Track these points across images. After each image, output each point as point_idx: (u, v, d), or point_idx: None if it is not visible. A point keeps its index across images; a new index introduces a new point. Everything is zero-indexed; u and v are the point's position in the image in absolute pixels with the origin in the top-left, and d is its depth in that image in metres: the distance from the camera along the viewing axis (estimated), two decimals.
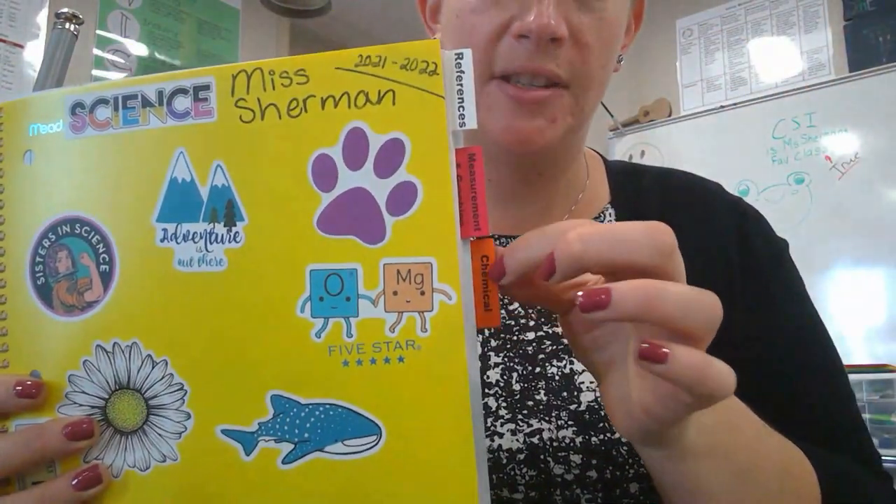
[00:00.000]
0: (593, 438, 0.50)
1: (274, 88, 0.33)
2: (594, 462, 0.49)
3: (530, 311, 0.55)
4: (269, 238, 0.33)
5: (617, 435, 0.49)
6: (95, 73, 2.41)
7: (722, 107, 2.73)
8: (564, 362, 0.52)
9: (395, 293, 0.32)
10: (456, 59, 0.33)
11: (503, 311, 0.55)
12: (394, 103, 0.32)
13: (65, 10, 0.98)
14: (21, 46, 2.29)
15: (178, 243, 0.33)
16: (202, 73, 0.34)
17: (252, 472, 0.32)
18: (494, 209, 0.58)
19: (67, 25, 0.97)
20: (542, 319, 0.54)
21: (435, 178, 0.32)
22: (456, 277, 0.32)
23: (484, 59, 0.51)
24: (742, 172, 2.58)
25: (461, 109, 0.32)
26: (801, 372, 0.53)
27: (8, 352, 0.35)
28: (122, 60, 2.48)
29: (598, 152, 0.66)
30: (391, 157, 0.32)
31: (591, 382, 0.51)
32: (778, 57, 2.73)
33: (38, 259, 0.35)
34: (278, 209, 0.33)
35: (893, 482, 0.52)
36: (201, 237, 0.33)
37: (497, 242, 0.58)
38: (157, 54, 2.59)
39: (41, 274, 0.35)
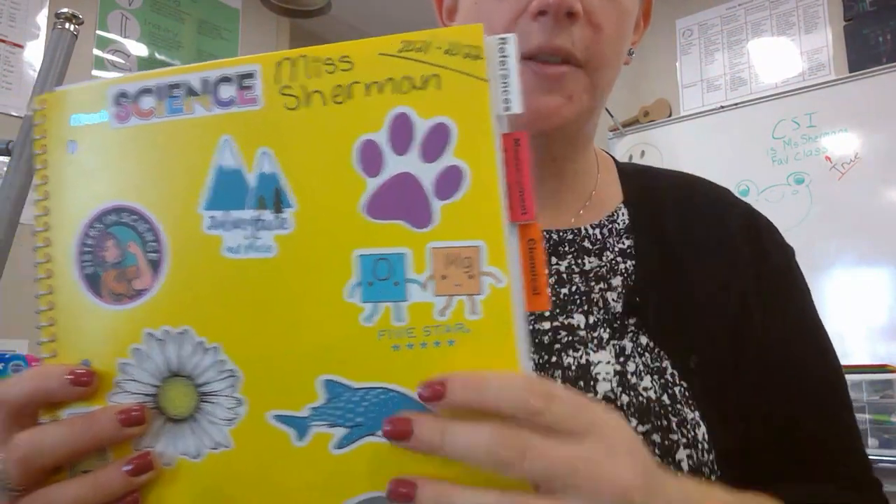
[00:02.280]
0: None
1: (318, 75, 0.33)
2: None
3: None
4: (316, 224, 0.33)
5: (633, 424, 0.49)
6: (95, 73, 2.41)
7: (722, 107, 2.73)
8: (580, 352, 0.52)
9: (443, 277, 0.32)
10: (499, 45, 0.33)
11: None
12: (438, 88, 0.32)
13: (65, 10, 0.98)
14: (21, 46, 2.29)
15: (226, 230, 0.33)
16: (247, 61, 0.34)
17: (304, 457, 0.32)
18: None
19: (67, 25, 0.97)
20: (558, 311, 0.54)
21: (481, 161, 0.32)
22: (504, 260, 0.31)
23: None
24: (742, 172, 2.58)
25: (506, 94, 0.33)
26: (800, 386, 0.54)
27: (56, 341, 0.35)
28: (122, 60, 2.48)
29: (611, 155, 0.66)
30: (437, 141, 0.32)
31: (608, 373, 0.51)
32: (778, 57, 2.73)
33: (85, 248, 0.35)
34: (325, 195, 0.33)
35: (882, 497, 0.54)
36: (249, 224, 0.33)
37: None
38: (157, 54, 2.59)
39: (89, 263, 0.35)
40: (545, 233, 0.58)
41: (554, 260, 0.56)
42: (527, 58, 0.51)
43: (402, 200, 0.32)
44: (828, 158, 2.43)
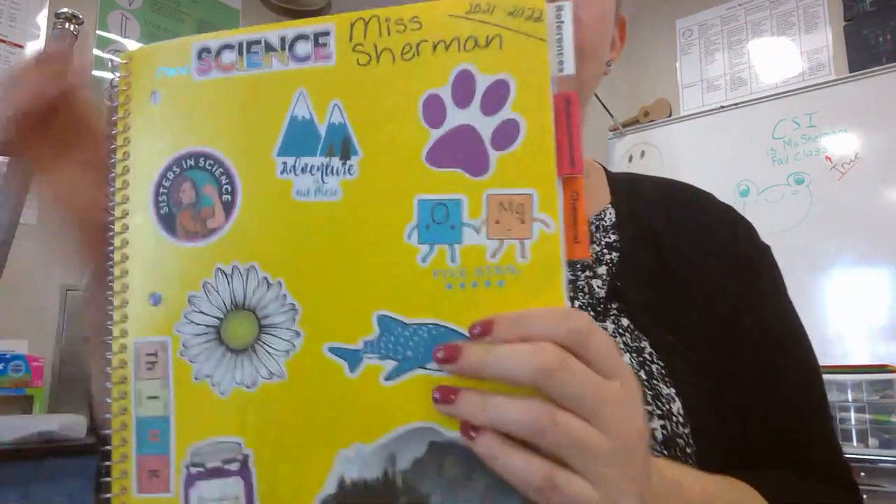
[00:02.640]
0: None
1: (389, 34, 0.36)
2: None
3: None
4: (380, 170, 0.35)
5: None
6: (95, 73, 2.41)
7: (722, 107, 2.73)
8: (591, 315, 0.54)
9: (497, 222, 0.34)
10: (556, 11, 0.35)
11: None
12: (500, 47, 0.35)
13: (65, 10, 0.98)
14: (21, 46, 2.29)
15: (296, 175, 0.36)
16: (323, 20, 0.37)
17: (355, 387, 0.34)
18: None
19: (67, 25, 0.97)
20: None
21: (536, 115, 0.34)
22: (555, 207, 0.33)
23: None
24: (742, 172, 2.58)
25: (560, 56, 0.35)
26: (773, 384, 0.55)
27: (128, 275, 0.37)
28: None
29: (600, 164, 0.69)
30: (497, 96, 0.34)
31: None
32: (778, 57, 2.73)
33: (162, 190, 0.38)
34: (390, 144, 0.35)
35: (859, 493, 0.55)
36: (318, 170, 0.36)
37: None
38: None
39: (165, 203, 0.37)
40: None
41: None
42: None
43: (462, 150, 0.34)
44: (828, 158, 2.43)
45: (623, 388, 0.32)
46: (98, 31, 2.45)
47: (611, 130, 2.99)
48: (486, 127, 0.34)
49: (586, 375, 0.31)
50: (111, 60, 0.41)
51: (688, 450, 0.50)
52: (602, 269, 0.58)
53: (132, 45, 2.52)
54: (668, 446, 0.49)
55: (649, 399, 0.50)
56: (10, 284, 0.98)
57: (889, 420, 2.03)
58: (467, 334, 0.33)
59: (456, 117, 0.35)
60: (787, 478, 0.52)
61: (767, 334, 0.56)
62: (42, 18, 2.33)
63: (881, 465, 1.95)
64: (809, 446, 0.55)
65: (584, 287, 0.57)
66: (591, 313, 0.55)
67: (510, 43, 0.35)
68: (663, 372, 0.52)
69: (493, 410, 0.31)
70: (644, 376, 0.51)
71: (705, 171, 2.66)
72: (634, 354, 0.53)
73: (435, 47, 0.35)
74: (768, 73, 2.75)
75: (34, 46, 2.29)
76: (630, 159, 2.94)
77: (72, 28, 0.98)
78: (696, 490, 0.42)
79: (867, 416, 2.06)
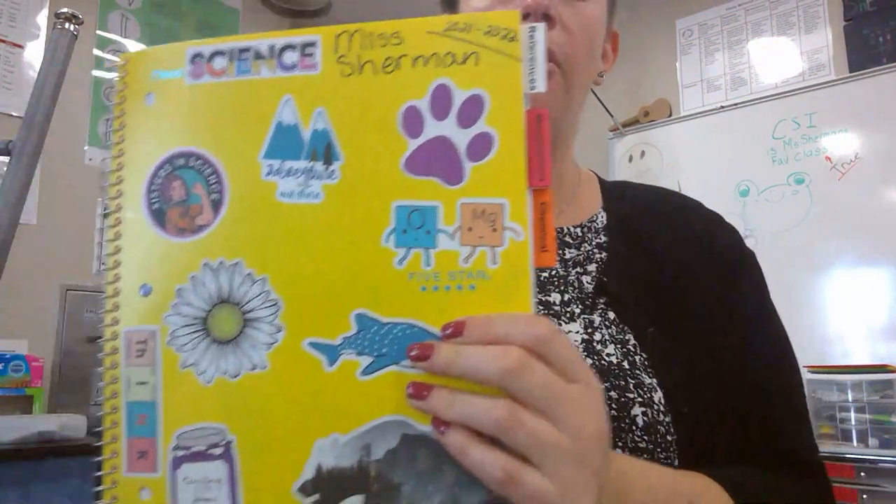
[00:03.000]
0: None
1: (372, 47, 0.38)
2: None
3: None
4: (361, 176, 0.37)
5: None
6: (95, 73, 2.41)
7: (722, 107, 2.73)
8: (554, 322, 0.57)
9: (470, 229, 0.36)
10: (529, 31, 0.37)
11: None
12: (476, 64, 0.37)
13: (65, 10, 0.98)
14: (21, 46, 2.29)
15: (281, 178, 0.38)
16: (310, 31, 0.39)
17: (333, 381, 0.36)
18: None
19: (67, 25, 0.97)
20: (537, 289, 0.60)
21: (510, 129, 0.36)
22: (525, 217, 0.35)
23: None
24: (742, 172, 2.58)
25: (532, 74, 0.37)
26: (759, 387, 0.57)
27: (120, 267, 0.39)
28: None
29: (595, 174, 0.73)
30: (472, 110, 0.37)
31: (575, 340, 0.56)
32: (778, 57, 2.73)
33: (154, 187, 0.39)
34: (370, 151, 0.37)
35: (825, 481, 0.57)
36: (302, 173, 0.37)
37: None
38: None
39: (156, 200, 0.39)
40: None
41: None
42: None
43: (438, 160, 0.36)
44: (828, 158, 2.43)
45: (584, 390, 0.34)
46: (98, 31, 2.45)
47: (611, 130, 2.99)
48: (461, 139, 0.36)
49: (548, 378, 0.33)
50: (108, 60, 0.42)
51: (668, 437, 0.52)
52: (592, 267, 0.61)
53: (132, 45, 2.52)
54: (648, 432, 0.51)
55: (632, 387, 0.52)
56: (10, 284, 0.98)
57: (889, 420, 2.03)
58: (440, 334, 0.35)
59: (433, 128, 0.37)
60: (762, 475, 0.54)
61: (753, 339, 0.58)
62: (42, 18, 2.33)
63: (881, 465, 1.95)
64: (792, 446, 0.57)
65: (574, 282, 0.60)
66: (580, 306, 0.58)
67: (486, 60, 0.37)
68: (646, 363, 0.54)
69: (462, 407, 0.33)
70: (627, 366, 0.54)
71: (705, 171, 2.66)
72: (619, 346, 0.55)
73: (415, 62, 0.37)
74: (768, 73, 2.75)
75: (34, 46, 2.30)
76: (630, 159, 2.94)
77: (72, 28, 0.98)
78: (655, 483, 0.44)
79: (867, 416, 2.06)
